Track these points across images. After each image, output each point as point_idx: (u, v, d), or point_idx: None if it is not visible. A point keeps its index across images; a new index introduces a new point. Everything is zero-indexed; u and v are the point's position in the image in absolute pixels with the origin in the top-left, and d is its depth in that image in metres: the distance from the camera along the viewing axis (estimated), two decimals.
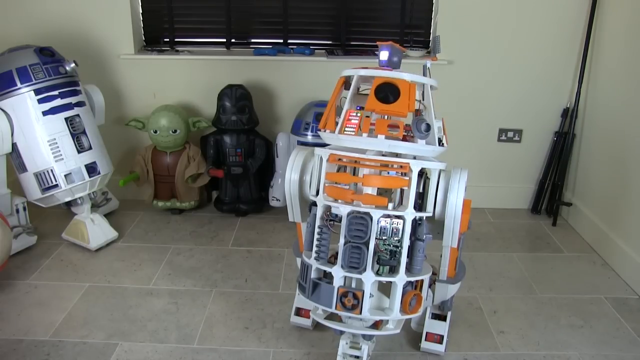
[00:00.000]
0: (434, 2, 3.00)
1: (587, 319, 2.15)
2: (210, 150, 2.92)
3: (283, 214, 3.04)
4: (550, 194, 3.08)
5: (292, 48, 3.05)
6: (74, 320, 2.09)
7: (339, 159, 1.63)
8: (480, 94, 3.01)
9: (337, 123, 1.63)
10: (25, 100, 2.35)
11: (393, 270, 1.60)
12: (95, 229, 2.61)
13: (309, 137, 2.75)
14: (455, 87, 2.99)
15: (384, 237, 1.56)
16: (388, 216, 1.55)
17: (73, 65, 2.51)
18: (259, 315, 2.15)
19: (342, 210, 1.57)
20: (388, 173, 1.58)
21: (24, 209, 2.60)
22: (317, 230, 1.62)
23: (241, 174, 2.93)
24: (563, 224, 3.01)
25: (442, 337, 1.90)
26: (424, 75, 1.71)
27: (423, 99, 1.67)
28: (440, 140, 1.65)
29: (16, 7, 2.91)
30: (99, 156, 2.55)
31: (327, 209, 1.63)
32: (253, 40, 3.15)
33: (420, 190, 1.63)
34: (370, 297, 1.58)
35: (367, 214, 1.54)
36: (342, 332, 1.67)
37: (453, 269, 1.79)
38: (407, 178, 1.56)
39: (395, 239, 1.56)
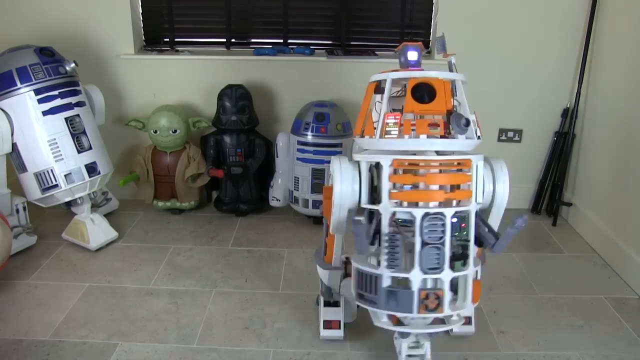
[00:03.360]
0: (434, 2, 3.00)
1: (587, 319, 2.15)
2: (210, 150, 2.92)
3: (283, 214, 3.05)
4: (551, 194, 3.07)
5: (292, 48, 3.05)
6: (74, 320, 2.09)
7: (407, 164, 1.57)
8: (480, 94, 3.01)
9: (375, 128, 1.62)
10: (25, 100, 2.35)
11: (464, 264, 1.61)
12: (95, 229, 2.61)
13: (309, 137, 2.75)
14: None
15: (455, 234, 1.58)
16: (459, 212, 1.58)
17: (73, 65, 2.51)
18: (259, 315, 2.15)
19: (416, 213, 1.54)
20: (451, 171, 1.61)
21: (24, 209, 2.60)
22: (386, 238, 1.58)
23: (241, 174, 2.93)
24: (563, 224, 3.01)
25: (469, 318, 1.97)
26: (450, 71, 1.72)
27: (455, 95, 1.67)
28: (476, 133, 1.66)
29: (16, 7, 2.91)
30: (99, 156, 2.55)
31: (392, 215, 1.59)
32: (253, 40, 3.15)
33: None
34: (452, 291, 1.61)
35: (441, 213, 1.54)
36: (408, 335, 1.69)
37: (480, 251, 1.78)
38: (470, 173, 1.59)
39: (464, 233, 1.60)
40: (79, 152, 2.46)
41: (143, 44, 3.12)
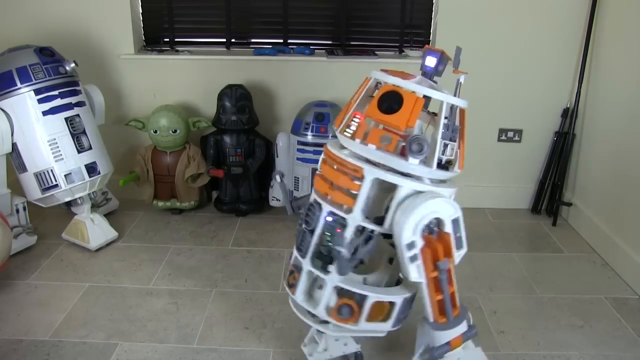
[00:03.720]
0: (434, 2, 3.00)
1: (587, 319, 2.15)
2: (210, 150, 2.92)
3: (283, 214, 3.05)
4: (550, 194, 3.07)
5: (292, 48, 3.05)
6: (74, 320, 2.09)
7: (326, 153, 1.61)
8: (480, 94, 3.01)
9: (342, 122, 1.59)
10: (25, 100, 2.35)
11: (324, 268, 1.55)
12: (95, 229, 2.61)
13: (309, 137, 2.75)
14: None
15: (327, 233, 1.54)
16: (335, 214, 1.51)
17: (73, 65, 2.51)
18: (259, 315, 2.15)
19: (312, 195, 1.62)
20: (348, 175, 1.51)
21: (24, 209, 2.60)
22: (300, 210, 1.68)
23: (241, 174, 2.93)
24: (563, 224, 3.01)
25: None
26: (455, 92, 1.54)
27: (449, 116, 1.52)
28: (443, 163, 1.49)
29: (16, 7, 2.91)
30: (99, 156, 2.55)
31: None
32: (253, 40, 3.15)
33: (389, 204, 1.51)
34: (318, 288, 1.59)
35: (319, 204, 1.54)
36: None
37: (437, 312, 1.53)
38: (358, 183, 1.46)
39: (335, 238, 1.51)
40: (79, 152, 2.46)
41: (143, 44, 3.12)
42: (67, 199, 2.51)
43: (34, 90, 2.36)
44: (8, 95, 2.34)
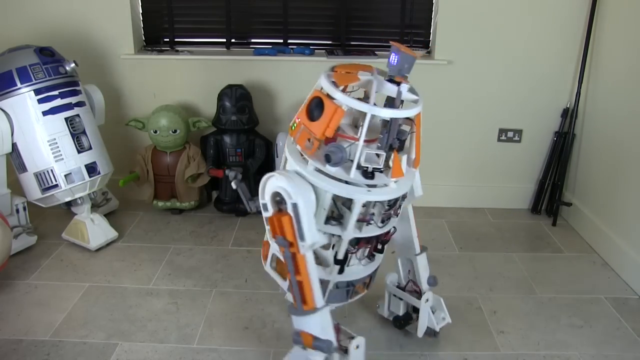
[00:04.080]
0: (434, 2, 3.00)
1: (587, 319, 2.15)
2: (210, 150, 2.92)
3: None
4: (550, 194, 3.07)
5: (292, 48, 3.05)
6: (74, 320, 2.09)
7: None
8: (480, 94, 3.01)
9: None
10: (25, 100, 2.35)
11: None
12: (95, 229, 2.61)
13: None
14: (455, 87, 2.99)
15: None
16: None
17: (73, 65, 2.51)
18: (259, 315, 2.15)
19: None
20: None
21: (24, 209, 2.60)
22: None
23: (241, 174, 2.92)
24: (563, 224, 3.01)
25: None
26: (397, 102, 1.54)
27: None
28: (369, 171, 1.53)
29: (16, 7, 2.91)
30: (99, 156, 2.55)
31: None
32: (253, 40, 3.15)
33: None
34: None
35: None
36: None
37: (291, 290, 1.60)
38: None
39: None
40: (79, 152, 2.46)
41: (143, 44, 3.12)
42: (67, 199, 2.51)
43: (34, 90, 2.36)
44: (8, 95, 2.34)
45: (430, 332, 1.96)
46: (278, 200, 1.55)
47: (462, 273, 2.47)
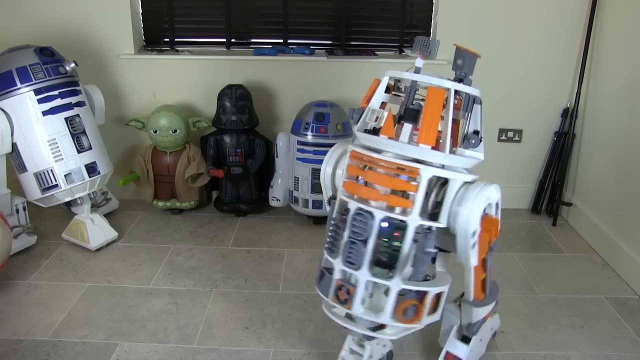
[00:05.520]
0: (434, 2, 3.00)
1: (587, 319, 2.15)
2: (210, 150, 2.92)
3: (283, 214, 3.05)
4: (550, 194, 3.07)
5: (292, 48, 3.05)
6: (74, 320, 2.09)
7: (358, 157, 1.59)
8: (481, 93, 3.00)
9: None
10: (25, 100, 2.35)
11: (389, 273, 1.56)
12: (95, 229, 2.61)
13: (309, 137, 2.75)
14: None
15: (384, 240, 1.54)
16: (392, 219, 1.52)
17: (73, 65, 2.51)
18: (259, 315, 2.15)
19: (351, 205, 1.56)
20: (400, 177, 1.53)
21: (24, 209, 2.60)
22: (332, 222, 1.63)
23: (241, 174, 2.93)
24: (563, 224, 3.01)
25: (459, 359, 1.81)
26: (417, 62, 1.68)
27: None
28: (367, 129, 1.62)
29: (16, 7, 2.91)
30: (99, 156, 2.55)
31: (344, 203, 1.60)
32: (253, 40, 3.15)
33: (438, 199, 1.55)
34: (370, 296, 1.56)
35: (370, 212, 1.51)
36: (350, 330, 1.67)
37: (479, 290, 1.71)
38: (414, 183, 1.49)
39: (396, 243, 1.53)
40: (79, 152, 2.46)
41: (143, 44, 3.12)
42: (67, 199, 2.51)
43: (34, 90, 2.36)
44: (8, 95, 2.34)
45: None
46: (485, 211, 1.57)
47: (462, 273, 2.46)
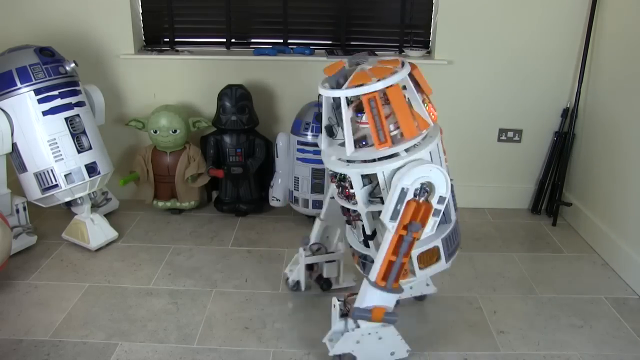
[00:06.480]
0: (434, 2, 3.00)
1: (587, 319, 2.15)
2: (210, 150, 2.92)
3: (283, 214, 3.05)
4: (550, 194, 3.07)
5: (292, 48, 3.05)
6: (74, 320, 2.09)
7: None
8: (480, 94, 3.01)
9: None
10: (25, 100, 2.35)
11: None
12: (95, 229, 2.61)
13: (309, 137, 2.75)
14: (455, 87, 2.99)
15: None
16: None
17: (73, 65, 2.51)
18: (259, 315, 2.15)
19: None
20: None
21: (24, 209, 2.60)
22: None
23: (241, 174, 2.93)
24: (563, 224, 3.01)
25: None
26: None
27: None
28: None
29: (16, 7, 2.91)
30: (99, 156, 2.55)
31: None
32: (253, 40, 3.15)
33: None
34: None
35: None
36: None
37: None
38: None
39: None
40: (79, 152, 2.46)
41: (143, 44, 3.12)
42: (67, 199, 2.51)
43: (34, 90, 2.36)
44: (8, 95, 2.34)
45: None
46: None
47: (462, 273, 2.47)
